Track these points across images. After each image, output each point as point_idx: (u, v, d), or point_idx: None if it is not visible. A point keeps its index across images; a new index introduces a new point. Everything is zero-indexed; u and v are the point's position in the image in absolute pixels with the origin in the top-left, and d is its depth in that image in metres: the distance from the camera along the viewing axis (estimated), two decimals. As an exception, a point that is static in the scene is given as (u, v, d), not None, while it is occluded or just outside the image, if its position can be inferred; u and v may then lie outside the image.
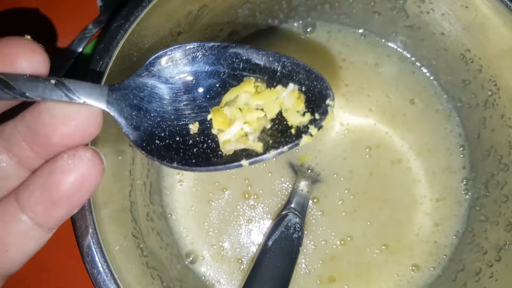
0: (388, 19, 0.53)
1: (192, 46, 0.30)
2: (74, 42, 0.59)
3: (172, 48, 0.30)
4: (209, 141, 0.31)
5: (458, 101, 0.54)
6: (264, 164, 0.54)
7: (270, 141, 0.30)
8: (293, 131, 0.30)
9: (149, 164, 0.52)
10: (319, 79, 0.30)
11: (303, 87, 0.30)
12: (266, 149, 0.30)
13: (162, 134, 0.30)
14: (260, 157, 0.30)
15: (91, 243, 0.37)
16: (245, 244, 0.52)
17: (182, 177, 0.53)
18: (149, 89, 0.30)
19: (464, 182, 0.53)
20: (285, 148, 0.30)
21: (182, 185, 0.53)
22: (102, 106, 0.28)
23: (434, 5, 0.48)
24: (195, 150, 0.31)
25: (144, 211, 0.49)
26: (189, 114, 0.31)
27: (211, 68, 0.31)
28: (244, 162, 0.30)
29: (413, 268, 0.52)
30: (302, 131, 0.30)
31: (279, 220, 0.43)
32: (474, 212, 0.52)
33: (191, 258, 0.52)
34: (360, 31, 0.56)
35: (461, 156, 0.54)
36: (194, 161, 0.30)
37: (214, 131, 0.31)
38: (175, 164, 0.30)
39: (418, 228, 0.52)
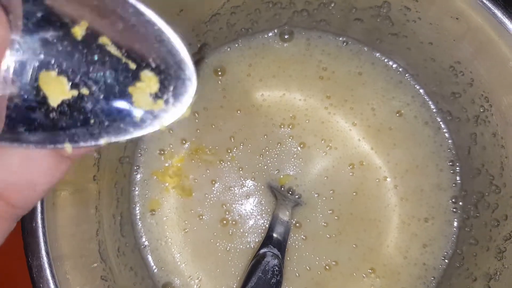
0: (372, 27, 0.48)
1: None
2: None
3: None
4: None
5: (448, 114, 0.50)
6: (243, 188, 0.50)
7: (106, 123, 0.22)
8: (138, 115, 0.22)
9: (118, 193, 0.48)
10: (183, 63, 0.21)
11: (162, 65, 0.22)
12: (99, 134, 0.22)
13: None
14: (92, 142, 0.22)
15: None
16: (224, 274, 0.49)
17: (154, 205, 0.50)
18: None
19: (453, 200, 0.50)
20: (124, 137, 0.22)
21: (154, 214, 0.50)
22: None
23: (422, 14, 0.44)
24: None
25: (115, 246, 0.46)
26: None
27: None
28: (67, 145, 0.21)
29: (401, 291, 0.50)
30: (150, 118, 0.22)
31: (256, 262, 0.40)
32: (464, 233, 0.49)
33: (168, 290, 0.50)
34: (342, 38, 0.51)
35: (451, 172, 0.50)
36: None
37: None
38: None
39: (405, 251, 0.50)
